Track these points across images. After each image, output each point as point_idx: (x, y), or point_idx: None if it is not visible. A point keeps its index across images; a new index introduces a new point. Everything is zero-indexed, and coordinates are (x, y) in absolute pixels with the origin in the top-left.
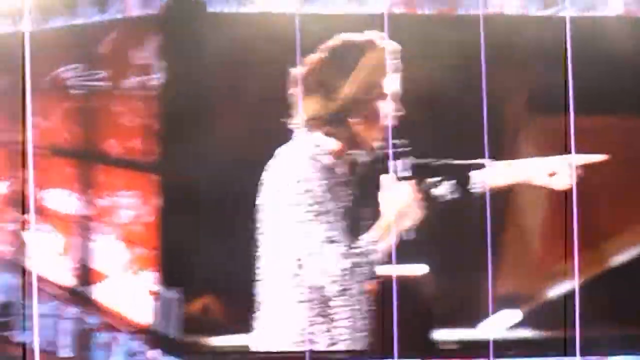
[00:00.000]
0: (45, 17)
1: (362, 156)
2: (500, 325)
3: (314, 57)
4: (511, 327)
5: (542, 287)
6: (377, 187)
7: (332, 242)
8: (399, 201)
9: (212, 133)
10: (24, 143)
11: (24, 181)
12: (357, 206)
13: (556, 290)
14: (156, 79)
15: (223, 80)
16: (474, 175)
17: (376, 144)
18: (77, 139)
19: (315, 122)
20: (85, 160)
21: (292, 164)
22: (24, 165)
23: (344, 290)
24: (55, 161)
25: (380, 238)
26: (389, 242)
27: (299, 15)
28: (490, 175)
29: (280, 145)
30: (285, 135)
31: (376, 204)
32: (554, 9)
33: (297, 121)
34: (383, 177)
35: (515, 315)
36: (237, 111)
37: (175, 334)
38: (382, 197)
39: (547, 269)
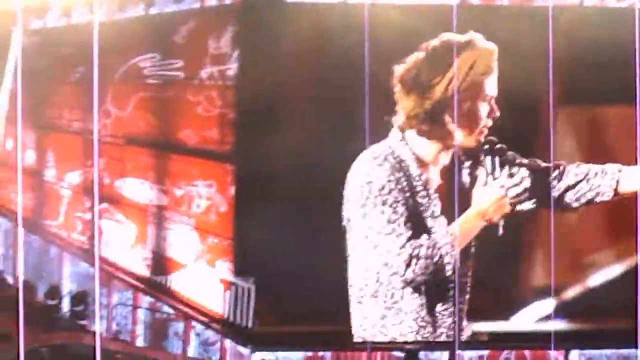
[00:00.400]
0: (122, 7)
1: (456, 154)
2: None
3: (413, 57)
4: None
5: None
6: (470, 187)
7: (392, 233)
8: (491, 195)
9: (290, 124)
10: (95, 132)
11: (97, 170)
12: (440, 202)
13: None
14: (232, 69)
15: (300, 71)
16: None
17: (472, 143)
18: (152, 129)
19: (410, 121)
20: (161, 150)
21: (368, 163)
22: (98, 154)
23: (410, 281)
24: (130, 150)
25: (463, 230)
26: (471, 234)
27: (371, 4)
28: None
29: (361, 139)
30: (360, 131)
31: (467, 203)
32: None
33: (396, 118)
34: (479, 172)
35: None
36: (314, 103)
37: (249, 324)
38: (476, 191)
39: None
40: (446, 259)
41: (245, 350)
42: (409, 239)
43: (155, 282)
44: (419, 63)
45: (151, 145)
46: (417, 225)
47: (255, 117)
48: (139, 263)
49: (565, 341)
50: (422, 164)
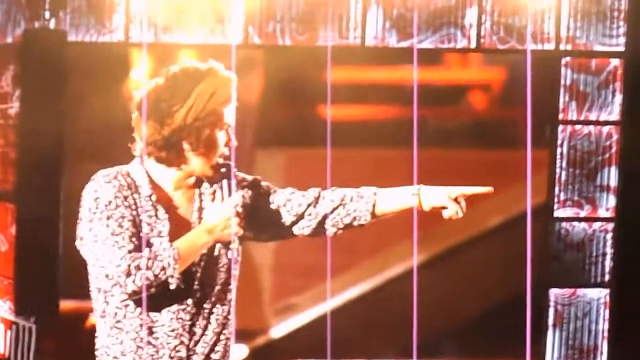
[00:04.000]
0: None
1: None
2: None
3: (152, 82)
4: None
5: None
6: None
7: (115, 245)
8: (220, 214)
9: (69, 163)
10: None
11: None
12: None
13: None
14: (14, 107)
15: (76, 108)
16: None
17: (209, 172)
18: None
19: (149, 148)
20: None
21: (98, 181)
22: None
23: (133, 294)
24: None
25: (188, 245)
26: (197, 250)
27: (148, 44)
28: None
29: None
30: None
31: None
32: None
33: (136, 147)
34: (217, 196)
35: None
36: (85, 141)
37: None
38: (206, 212)
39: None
40: (169, 272)
41: None
42: (131, 252)
43: None
44: (158, 89)
45: None
46: (142, 242)
47: (37, 156)
48: None
49: None
50: (158, 189)
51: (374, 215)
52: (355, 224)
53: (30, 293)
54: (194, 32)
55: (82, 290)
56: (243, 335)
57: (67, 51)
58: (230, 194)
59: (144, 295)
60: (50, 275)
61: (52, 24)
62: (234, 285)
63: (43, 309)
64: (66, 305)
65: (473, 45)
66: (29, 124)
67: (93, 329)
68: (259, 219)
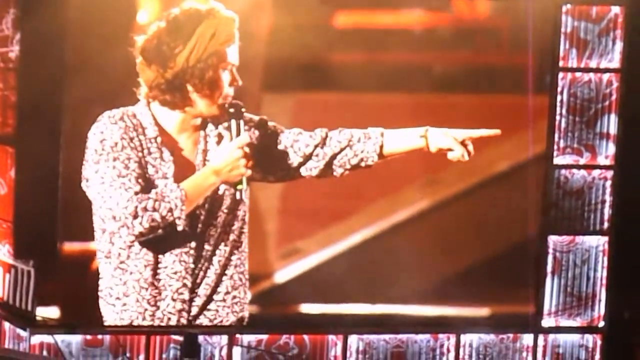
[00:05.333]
0: None
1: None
2: None
3: (153, 26)
4: None
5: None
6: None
7: (121, 187)
8: (227, 154)
9: (68, 106)
10: None
11: None
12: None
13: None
14: (14, 51)
15: (77, 53)
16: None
17: (215, 111)
18: None
19: (152, 91)
20: None
21: (104, 122)
22: None
23: (140, 235)
24: None
25: (195, 186)
26: (204, 191)
27: None
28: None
29: None
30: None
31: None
32: None
33: (141, 91)
34: (224, 136)
35: None
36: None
37: (29, 307)
38: (215, 150)
39: None
40: (176, 213)
41: (24, 333)
42: (137, 193)
43: None
44: (159, 32)
45: None
46: (147, 183)
47: (38, 100)
48: None
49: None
50: (163, 131)
51: (381, 155)
52: (363, 164)
53: (29, 236)
54: None
55: (80, 234)
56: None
57: None
58: (238, 134)
59: (150, 236)
60: (49, 219)
61: None
62: (237, 226)
63: (42, 252)
64: (64, 248)
65: None
66: (29, 67)
67: (91, 272)
68: (266, 160)
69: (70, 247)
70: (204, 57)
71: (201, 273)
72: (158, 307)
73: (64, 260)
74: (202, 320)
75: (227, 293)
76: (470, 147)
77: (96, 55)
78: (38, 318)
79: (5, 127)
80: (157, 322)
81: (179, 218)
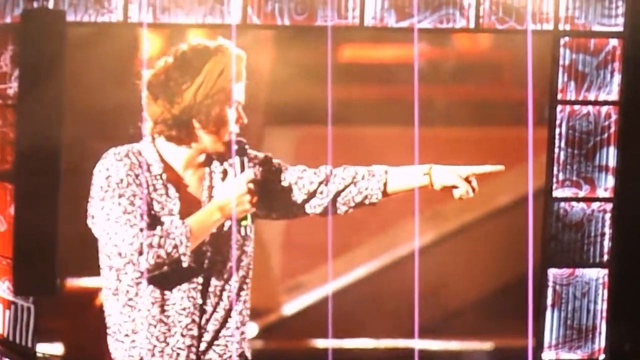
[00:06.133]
0: None
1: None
2: None
3: (161, 61)
4: None
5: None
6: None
7: (127, 223)
8: (232, 190)
9: (67, 143)
10: None
11: None
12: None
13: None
14: (12, 87)
15: (76, 89)
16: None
17: (220, 148)
18: None
19: (159, 127)
20: None
21: (109, 159)
22: None
23: (146, 272)
24: None
25: (199, 222)
26: (208, 228)
27: (147, 24)
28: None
29: None
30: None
31: None
32: None
33: (145, 126)
34: (229, 172)
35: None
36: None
37: (29, 343)
38: (220, 186)
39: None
40: (181, 249)
41: None
42: (143, 230)
43: None
44: (167, 68)
45: None
46: (153, 220)
47: (36, 137)
48: None
49: None
50: (169, 167)
51: (385, 193)
52: (367, 201)
53: (29, 273)
54: (192, 12)
55: (80, 270)
56: (252, 313)
57: (66, 31)
58: (242, 170)
59: (156, 273)
60: (49, 255)
61: (51, 4)
62: (245, 262)
63: (41, 288)
64: (65, 284)
65: (472, 25)
66: (28, 104)
67: (92, 308)
68: (270, 196)
69: (71, 283)
70: (212, 93)
71: (210, 309)
72: (167, 344)
73: (64, 297)
74: (211, 356)
75: (237, 328)
76: (475, 184)
77: (95, 91)
78: (39, 354)
79: (4, 164)
80: (166, 358)
81: (185, 254)
